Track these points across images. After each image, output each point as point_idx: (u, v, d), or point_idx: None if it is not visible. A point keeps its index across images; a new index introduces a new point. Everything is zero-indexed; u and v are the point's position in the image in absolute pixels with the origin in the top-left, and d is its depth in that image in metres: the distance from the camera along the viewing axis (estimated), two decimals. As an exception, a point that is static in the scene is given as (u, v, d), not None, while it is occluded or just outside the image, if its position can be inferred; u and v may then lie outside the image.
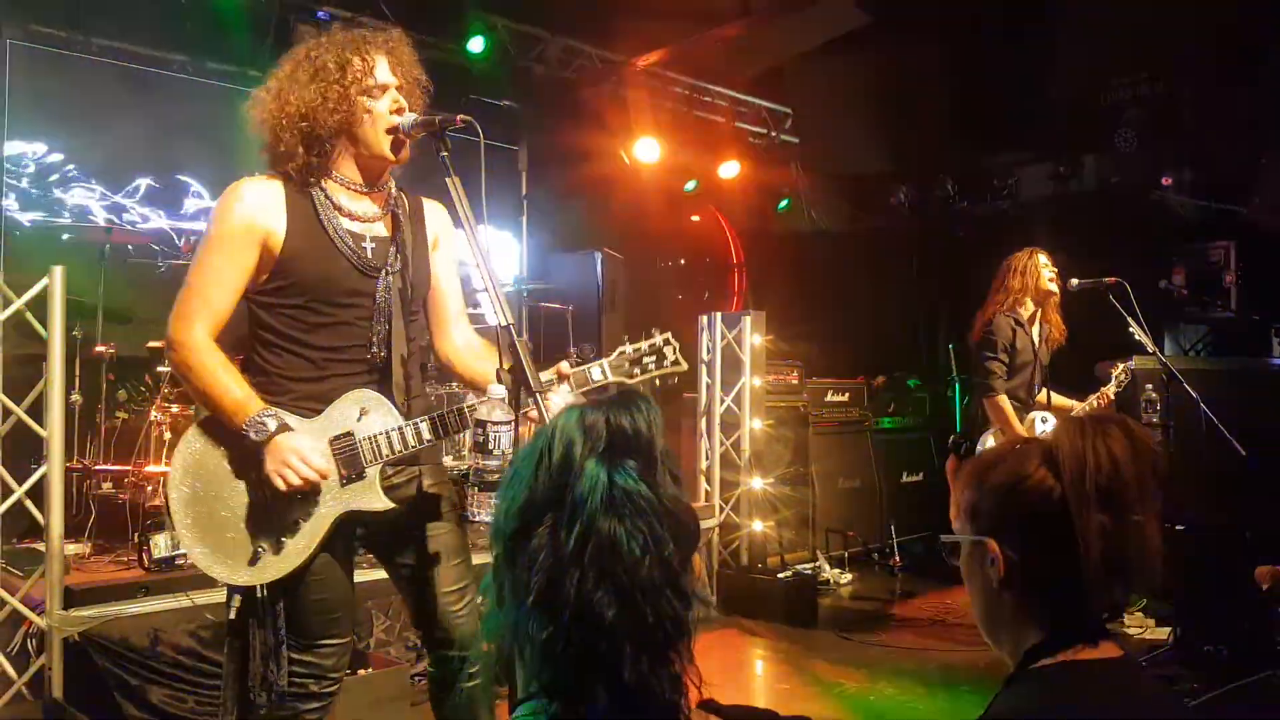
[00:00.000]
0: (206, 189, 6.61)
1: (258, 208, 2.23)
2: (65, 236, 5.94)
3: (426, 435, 2.29)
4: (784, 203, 9.20)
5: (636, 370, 2.45)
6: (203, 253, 2.26)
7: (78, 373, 4.88)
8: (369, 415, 2.28)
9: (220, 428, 2.22)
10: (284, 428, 2.17)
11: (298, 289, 2.26)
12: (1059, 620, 1.24)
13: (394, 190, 2.43)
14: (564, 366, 2.39)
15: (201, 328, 2.21)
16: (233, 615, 2.27)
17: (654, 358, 2.46)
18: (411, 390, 2.38)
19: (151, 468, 4.60)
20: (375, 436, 2.26)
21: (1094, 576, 1.20)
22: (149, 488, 4.55)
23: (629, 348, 2.46)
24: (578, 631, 0.95)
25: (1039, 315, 4.79)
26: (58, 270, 3.44)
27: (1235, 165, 6.94)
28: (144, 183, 6.39)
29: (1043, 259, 4.76)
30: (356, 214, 2.33)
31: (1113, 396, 4.66)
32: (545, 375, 2.33)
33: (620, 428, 1.01)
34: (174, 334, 2.22)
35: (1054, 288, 4.73)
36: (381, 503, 2.28)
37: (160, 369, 4.72)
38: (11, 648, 3.41)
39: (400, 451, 2.28)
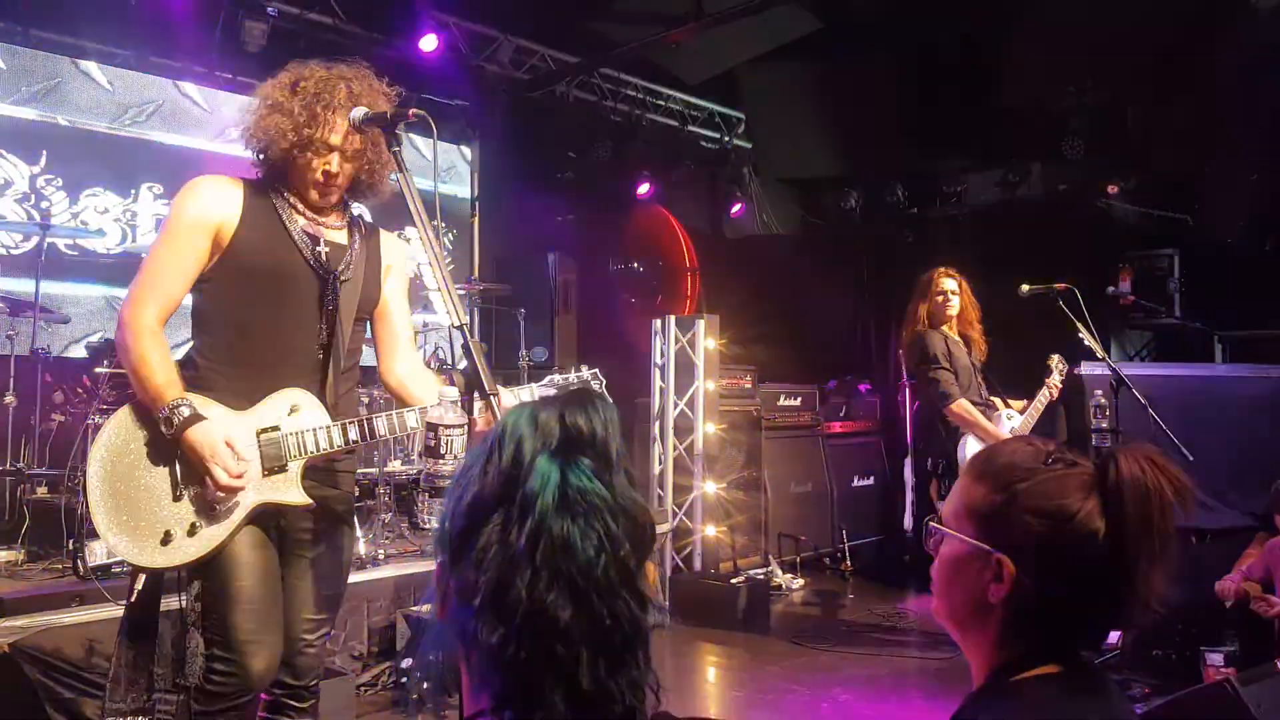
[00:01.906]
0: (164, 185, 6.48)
1: (212, 200, 2.30)
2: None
3: (353, 436, 2.33)
4: (736, 207, 9.24)
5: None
6: (158, 242, 2.32)
7: (12, 373, 4.73)
8: (299, 412, 2.31)
9: (143, 410, 2.25)
10: (196, 418, 2.18)
11: (245, 275, 2.30)
12: (1049, 644, 1.21)
13: (354, 211, 2.52)
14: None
15: (150, 312, 2.24)
16: (133, 598, 2.27)
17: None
18: (340, 395, 2.40)
19: (88, 472, 4.46)
20: (302, 433, 2.30)
21: (1115, 616, 1.18)
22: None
23: (559, 377, 2.55)
24: (530, 635, 0.91)
25: (960, 329, 4.84)
26: (-11, 267, 3.33)
27: (1180, 174, 7.11)
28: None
29: (944, 283, 4.78)
30: (313, 216, 2.39)
31: (1059, 386, 4.70)
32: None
33: (575, 426, 0.97)
34: (123, 313, 2.27)
35: (953, 311, 4.76)
36: (300, 497, 2.30)
37: (98, 370, 4.57)
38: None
39: (325, 449, 2.31)
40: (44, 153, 6.04)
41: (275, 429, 2.28)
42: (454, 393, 2.09)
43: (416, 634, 4.15)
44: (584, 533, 0.92)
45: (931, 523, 1.32)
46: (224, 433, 2.20)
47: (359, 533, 4.83)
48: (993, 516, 1.23)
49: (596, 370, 2.60)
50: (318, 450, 2.30)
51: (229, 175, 2.38)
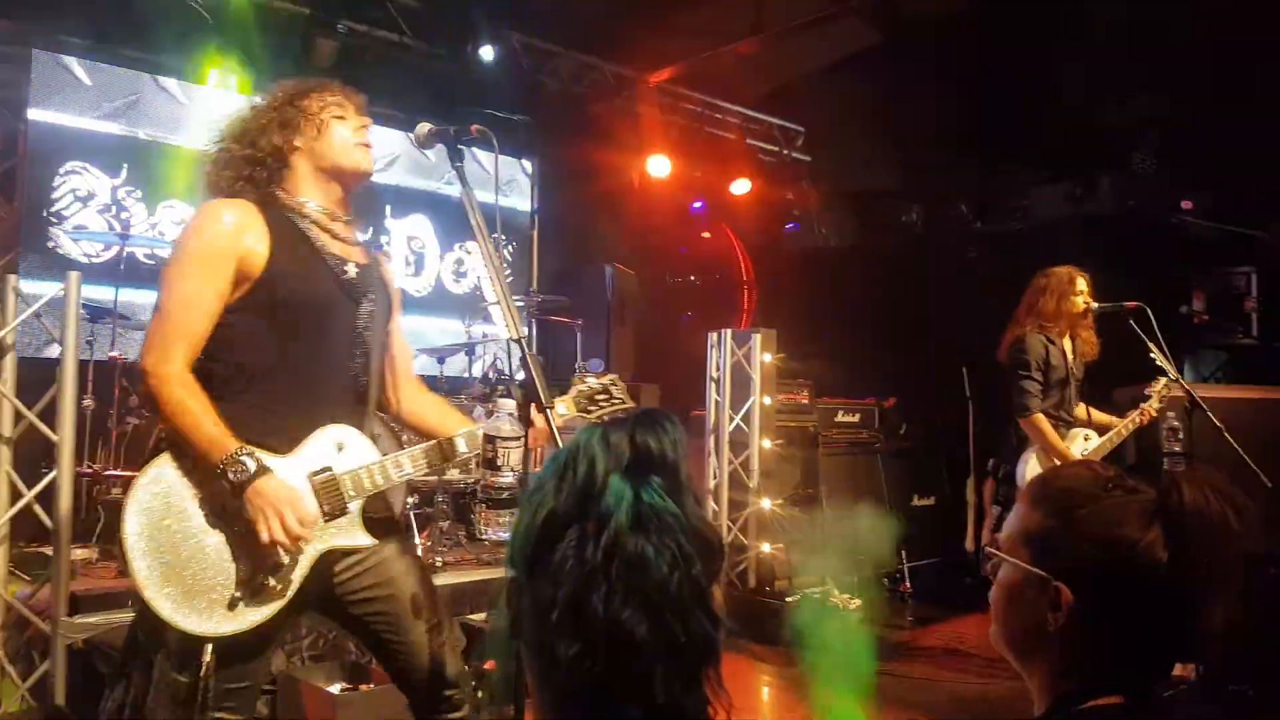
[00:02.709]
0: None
1: (236, 227, 2.12)
2: (79, 241, 6.00)
3: (407, 468, 2.24)
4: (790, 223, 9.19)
5: (592, 407, 2.45)
6: (175, 277, 2.11)
7: (90, 377, 4.89)
8: (346, 449, 2.20)
9: (189, 461, 2.06)
10: (263, 470, 2.03)
11: (283, 308, 2.14)
12: (1112, 674, 1.19)
13: (363, 231, 2.43)
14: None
15: (177, 357, 2.06)
16: (202, 671, 2.04)
17: (604, 396, 2.46)
18: (378, 423, 2.35)
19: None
20: (356, 471, 2.18)
21: (1179, 647, 1.16)
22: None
23: (584, 386, 2.45)
24: (606, 650, 0.92)
25: (1069, 331, 4.66)
26: (74, 275, 3.45)
27: (1257, 190, 6.88)
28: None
29: (1081, 283, 4.61)
30: (337, 235, 2.27)
31: (1155, 413, 4.53)
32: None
33: (645, 447, 0.98)
34: (146, 363, 2.06)
35: (1087, 314, 4.59)
36: (365, 539, 2.19)
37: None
38: (16, 653, 3.40)
39: (381, 485, 2.21)
40: (125, 165, 6.26)
41: (328, 470, 2.16)
42: (511, 405, 2.11)
43: (473, 642, 4.19)
44: (658, 550, 0.93)
45: (989, 548, 1.29)
46: (292, 486, 2.07)
47: (416, 539, 4.90)
48: (1050, 543, 1.21)
49: (615, 376, 2.53)
50: (374, 488, 2.20)
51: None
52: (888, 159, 8.68)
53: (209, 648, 2.03)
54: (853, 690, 4.64)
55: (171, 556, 2.02)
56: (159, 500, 2.04)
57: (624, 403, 2.48)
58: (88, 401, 4.77)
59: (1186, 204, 6.98)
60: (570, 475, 0.97)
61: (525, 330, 2.05)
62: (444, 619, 2.34)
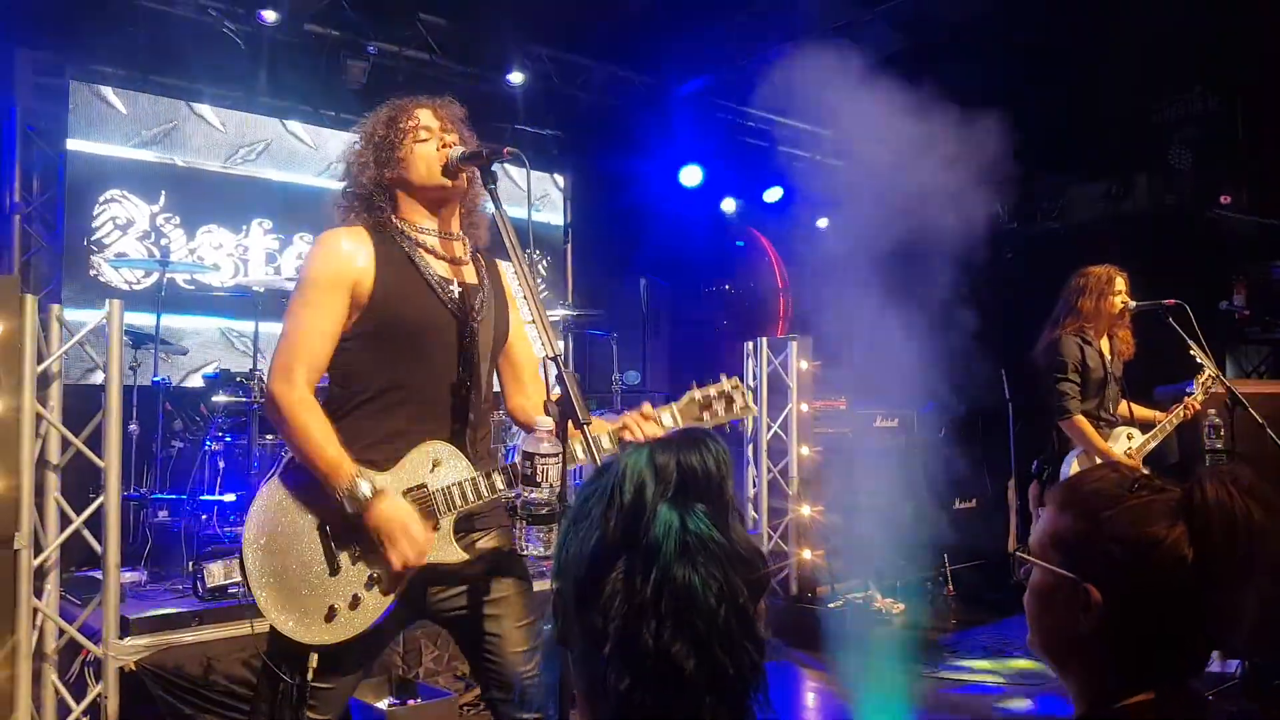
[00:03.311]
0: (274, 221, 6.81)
1: (347, 254, 2.23)
2: (119, 269, 6.12)
3: (500, 486, 2.26)
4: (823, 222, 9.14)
5: (705, 415, 2.42)
6: (297, 304, 2.25)
7: (135, 402, 4.98)
8: (441, 466, 2.25)
9: (299, 479, 2.19)
10: (380, 494, 2.13)
11: (389, 330, 2.24)
12: (1145, 671, 1.20)
13: (469, 245, 2.46)
14: (622, 419, 2.36)
15: (299, 381, 2.18)
16: (308, 675, 2.19)
17: (723, 403, 2.43)
18: (479, 440, 2.36)
19: (206, 496, 4.67)
20: (449, 488, 2.23)
21: (1209, 641, 1.17)
22: (203, 516, 4.62)
23: (698, 393, 2.43)
24: (657, 683, 0.93)
25: (1108, 331, 4.62)
26: (116, 303, 3.52)
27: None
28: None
29: (1120, 283, 4.56)
30: (443, 256, 2.35)
31: (1199, 405, 4.47)
32: (604, 436, 2.31)
33: (691, 468, 0.99)
34: (273, 389, 2.19)
35: (1124, 313, 4.55)
36: (457, 554, 2.24)
37: (215, 399, 4.80)
38: (69, 676, 3.46)
39: (474, 502, 2.24)
40: (163, 192, 6.38)
41: (422, 487, 2.22)
42: (549, 422, 2.11)
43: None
44: (705, 581, 0.94)
45: (1020, 553, 1.31)
46: (406, 509, 2.15)
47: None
48: (1078, 546, 1.23)
49: (737, 379, 2.45)
50: (467, 504, 2.23)
51: (351, 223, 2.33)
52: (920, 162, 8.60)
53: (314, 655, 2.16)
54: (897, 695, 4.60)
55: (279, 572, 2.16)
56: (267, 519, 2.19)
57: (748, 410, 2.45)
58: (133, 427, 4.84)
59: (1225, 198, 6.87)
60: (618, 501, 0.97)
61: (560, 347, 2.04)
62: (537, 650, 2.35)
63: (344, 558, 2.17)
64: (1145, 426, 4.54)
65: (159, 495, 4.84)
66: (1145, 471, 1.28)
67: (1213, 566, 1.14)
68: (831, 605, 5.66)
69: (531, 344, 2.57)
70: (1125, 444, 4.45)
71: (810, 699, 4.90)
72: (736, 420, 2.49)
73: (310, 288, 2.23)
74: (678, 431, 1.05)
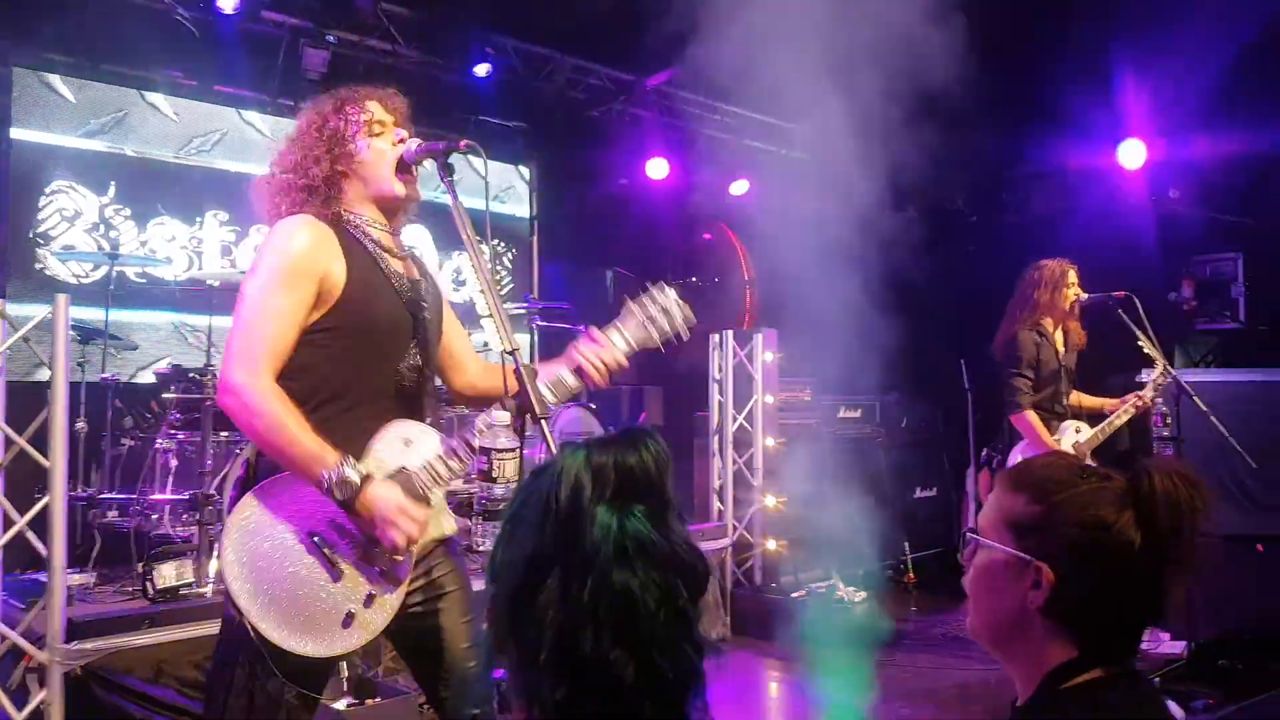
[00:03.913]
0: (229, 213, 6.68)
1: (318, 244, 2.15)
2: (66, 262, 5.97)
3: (476, 445, 2.22)
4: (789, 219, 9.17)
5: (652, 330, 2.32)
6: (259, 290, 2.12)
7: (83, 400, 4.85)
8: (414, 444, 2.20)
9: (279, 485, 2.10)
10: (368, 477, 2.05)
11: (356, 329, 2.18)
12: (1090, 649, 1.24)
13: (410, 246, 2.44)
14: (575, 354, 2.28)
15: (266, 370, 2.07)
16: (345, 688, 2.12)
17: (664, 315, 2.32)
18: (429, 415, 2.35)
19: (157, 496, 4.57)
20: (430, 463, 2.17)
21: (1147, 618, 1.24)
22: (154, 516, 4.52)
23: (636, 307, 2.32)
24: (595, 692, 0.92)
25: (1060, 324, 4.74)
26: (62, 297, 3.42)
27: (1243, 176, 6.90)
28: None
29: (1072, 276, 4.69)
30: (395, 253, 2.31)
31: (1149, 402, 4.58)
32: (562, 370, 2.25)
33: (629, 468, 0.97)
34: (234, 377, 2.05)
35: (1076, 306, 4.68)
36: (451, 523, 2.25)
37: (166, 395, 4.69)
38: (11, 683, 3.36)
39: (456, 472, 2.21)
40: (112, 183, 6.23)
41: (403, 470, 2.16)
42: (506, 417, 2.08)
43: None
44: (644, 585, 0.93)
45: (969, 533, 1.34)
46: (398, 490, 2.09)
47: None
48: (1032, 526, 1.27)
49: (662, 284, 2.35)
50: (451, 474, 2.19)
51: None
52: (885, 156, 8.65)
53: (343, 664, 2.04)
54: (858, 683, 4.63)
55: (279, 597, 2.04)
56: (247, 545, 2.05)
57: (689, 316, 2.35)
58: (80, 424, 4.71)
59: (1174, 193, 6.99)
60: (553, 507, 0.96)
61: (518, 343, 2.00)
62: (475, 627, 2.32)
63: (343, 560, 2.10)
64: (1095, 417, 4.65)
65: (108, 495, 4.72)
66: (1089, 463, 1.34)
67: (1159, 551, 1.22)
68: (795, 594, 5.70)
69: (459, 323, 2.55)
70: (1073, 437, 4.57)
71: (773, 688, 4.92)
72: (680, 332, 2.33)
73: (279, 273, 2.11)
74: (616, 431, 1.02)
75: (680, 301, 2.36)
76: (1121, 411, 4.55)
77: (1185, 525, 1.21)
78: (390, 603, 2.13)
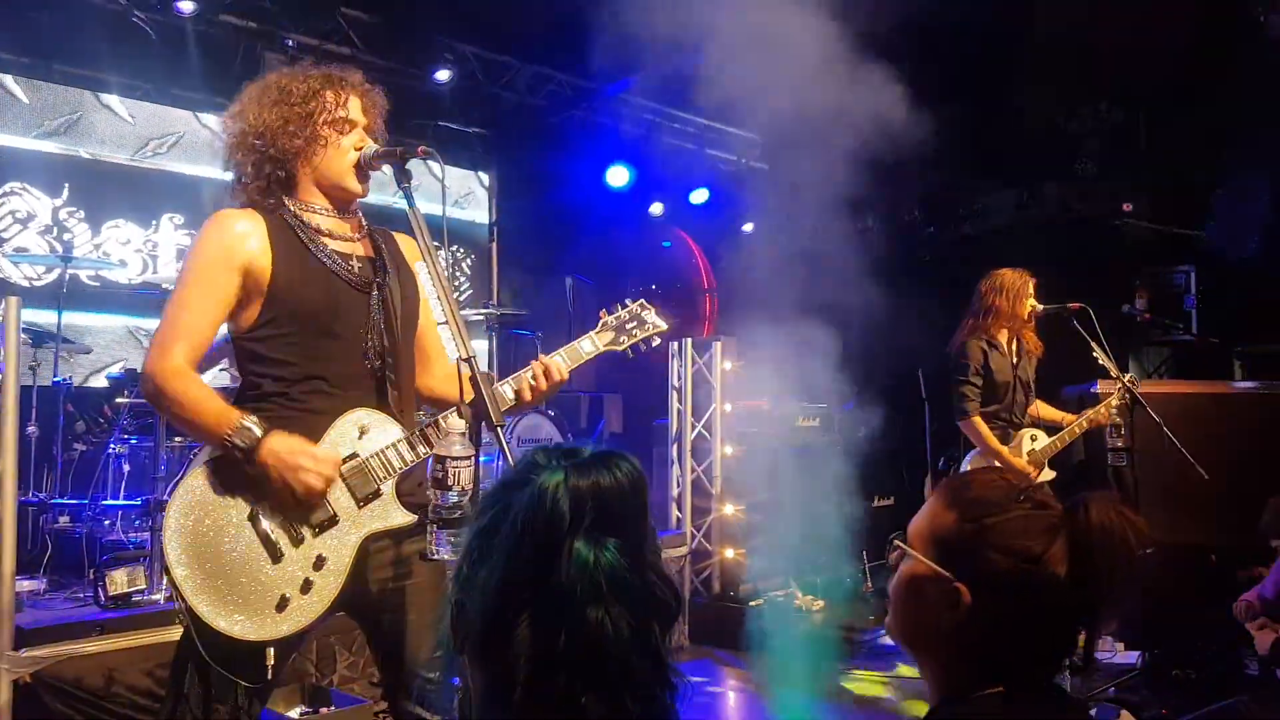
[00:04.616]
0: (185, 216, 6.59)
1: (238, 237, 2.16)
2: (18, 264, 5.87)
3: (434, 439, 2.21)
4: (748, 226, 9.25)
5: (623, 337, 2.45)
6: (180, 285, 2.19)
7: (34, 403, 4.78)
8: (369, 432, 2.20)
9: (215, 470, 2.10)
10: (268, 430, 2.06)
11: (293, 318, 2.19)
12: (995, 670, 1.23)
13: (364, 220, 2.41)
14: (547, 359, 2.36)
15: (177, 355, 2.10)
16: (270, 676, 2.09)
17: (635, 323, 2.47)
18: (404, 402, 2.32)
19: (110, 501, 4.51)
20: (383, 451, 2.19)
21: (1063, 650, 1.24)
22: (106, 522, 4.46)
23: (611, 316, 2.46)
24: None
25: (1014, 334, 4.76)
26: (13, 300, 3.37)
27: (1193, 191, 7.08)
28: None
29: (1030, 287, 4.71)
30: (337, 234, 2.30)
31: (1105, 418, 4.62)
32: (527, 372, 2.32)
33: (607, 497, 0.96)
34: (149, 364, 2.11)
35: (1032, 316, 4.71)
36: (404, 517, 2.20)
37: (120, 400, 4.64)
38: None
39: (411, 462, 2.21)
40: (66, 185, 6.15)
41: (355, 456, 2.17)
42: (460, 424, 2.09)
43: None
44: (616, 624, 0.92)
45: (897, 540, 1.34)
46: (301, 440, 2.08)
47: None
48: (958, 547, 1.26)
49: (643, 299, 2.50)
50: (405, 465, 2.20)
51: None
52: (843, 166, 8.74)
53: (270, 650, 2.06)
54: (815, 692, 4.68)
55: (215, 574, 2.04)
56: (186, 524, 2.06)
57: (659, 326, 2.49)
58: (32, 429, 4.64)
59: (1127, 207, 7.16)
60: (529, 533, 0.94)
61: (474, 349, 2.02)
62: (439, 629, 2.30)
63: (284, 543, 2.09)
64: (1052, 428, 4.68)
65: (59, 500, 4.66)
66: (1035, 482, 1.32)
67: (1089, 584, 1.20)
68: (753, 603, 5.73)
69: (434, 320, 2.54)
70: (1029, 444, 4.60)
71: (731, 697, 4.95)
72: (650, 340, 2.49)
73: (197, 268, 2.17)
74: (591, 454, 1.00)
75: (651, 308, 2.49)
76: (1076, 425, 4.60)
77: (1119, 562, 1.19)
78: (330, 589, 2.11)
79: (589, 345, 2.43)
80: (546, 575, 0.92)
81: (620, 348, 2.45)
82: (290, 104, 2.24)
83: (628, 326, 2.46)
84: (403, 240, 2.48)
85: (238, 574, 2.06)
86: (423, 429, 2.22)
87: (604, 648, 0.91)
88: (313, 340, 2.20)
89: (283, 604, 2.06)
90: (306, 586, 2.09)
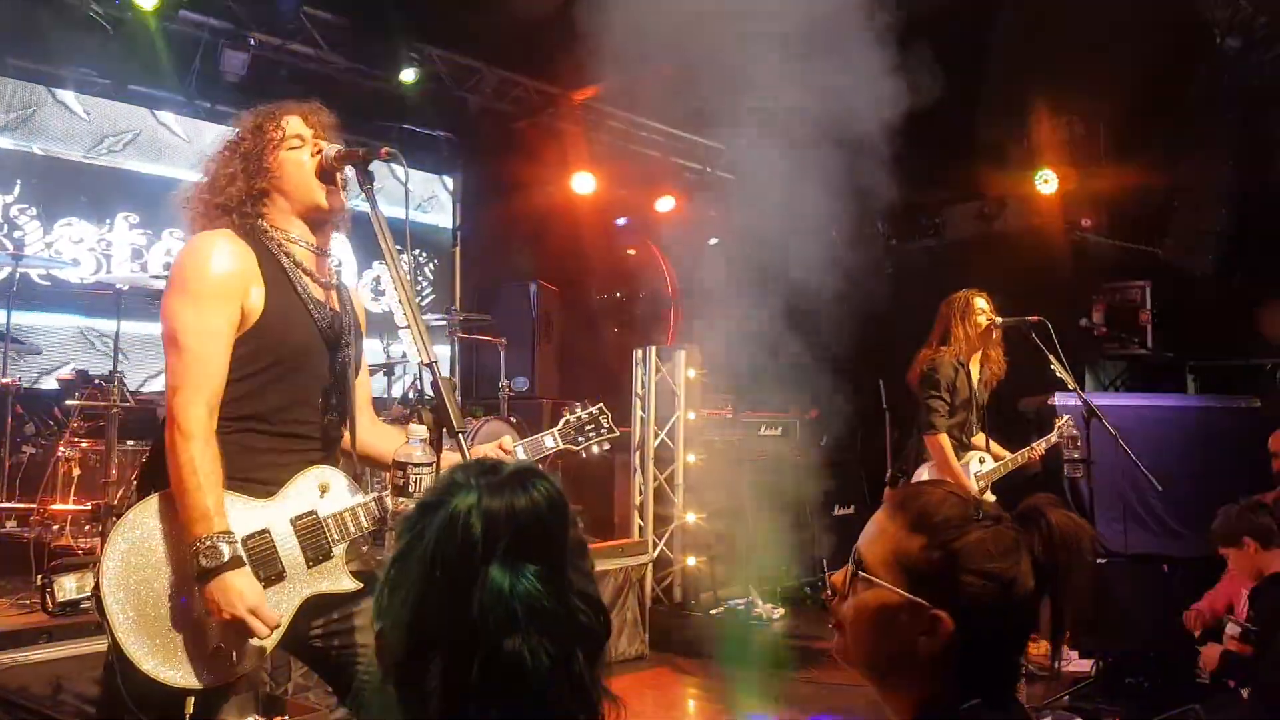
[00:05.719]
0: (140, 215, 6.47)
1: (238, 262, 2.11)
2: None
3: (390, 506, 2.18)
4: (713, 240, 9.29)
5: (580, 438, 2.61)
6: (190, 313, 2.07)
7: (-19, 405, 4.66)
8: (330, 492, 2.18)
9: (170, 511, 2.02)
10: (236, 562, 1.96)
11: (271, 353, 2.14)
12: (970, 684, 1.24)
13: (335, 268, 2.38)
14: (507, 442, 2.47)
15: (204, 405, 2.02)
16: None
17: (593, 426, 2.64)
18: (350, 463, 2.30)
19: (59, 505, 4.41)
20: (341, 513, 2.16)
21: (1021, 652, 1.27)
22: (55, 526, 4.36)
23: (573, 416, 2.62)
24: None
25: (980, 355, 4.78)
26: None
27: (1152, 207, 7.22)
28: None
29: (980, 303, 4.73)
30: (317, 277, 2.26)
31: (1041, 454, 4.68)
32: (486, 449, 2.41)
33: (522, 518, 0.92)
34: (175, 409, 2.01)
35: (991, 330, 4.71)
36: (350, 583, 2.15)
37: (70, 402, 4.53)
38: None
39: (367, 528, 2.18)
40: (18, 182, 6.02)
41: (312, 514, 2.14)
42: (423, 430, 2.07)
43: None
44: (534, 653, 0.88)
45: (863, 573, 1.29)
46: (258, 589, 2.00)
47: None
48: (929, 573, 1.23)
49: (601, 404, 2.67)
50: (360, 530, 2.17)
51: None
52: (808, 177, 8.81)
53: (190, 700, 1.98)
54: (775, 699, 4.68)
55: (149, 616, 1.97)
56: (133, 551, 2.00)
57: (612, 432, 2.67)
58: (-22, 430, 4.54)
59: (1086, 222, 7.28)
60: (438, 562, 0.90)
61: (436, 355, 2.00)
62: None
63: None
64: (995, 457, 4.74)
65: (6, 504, 4.54)
66: (980, 498, 1.33)
67: (1057, 587, 1.24)
68: (713, 611, 5.72)
69: (367, 372, 2.54)
70: (978, 467, 4.65)
71: (690, 704, 4.94)
72: (608, 445, 2.70)
73: (203, 295, 2.07)
74: (508, 472, 0.96)
75: (607, 415, 2.68)
76: (1024, 453, 4.65)
77: (1078, 563, 1.24)
78: (261, 645, 2.03)
79: (551, 442, 2.57)
80: (461, 603, 0.88)
81: (577, 448, 2.63)
82: (225, 153, 2.24)
83: (585, 429, 2.63)
84: (355, 297, 2.44)
85: (174, 616, 1.99)
86: (379, 497, 2.20)
87: (522, 679, 0.87)
88: (277, 380, 2.16)
89: (215, 655, 2.00)
90: (241, 641, 2.01)
